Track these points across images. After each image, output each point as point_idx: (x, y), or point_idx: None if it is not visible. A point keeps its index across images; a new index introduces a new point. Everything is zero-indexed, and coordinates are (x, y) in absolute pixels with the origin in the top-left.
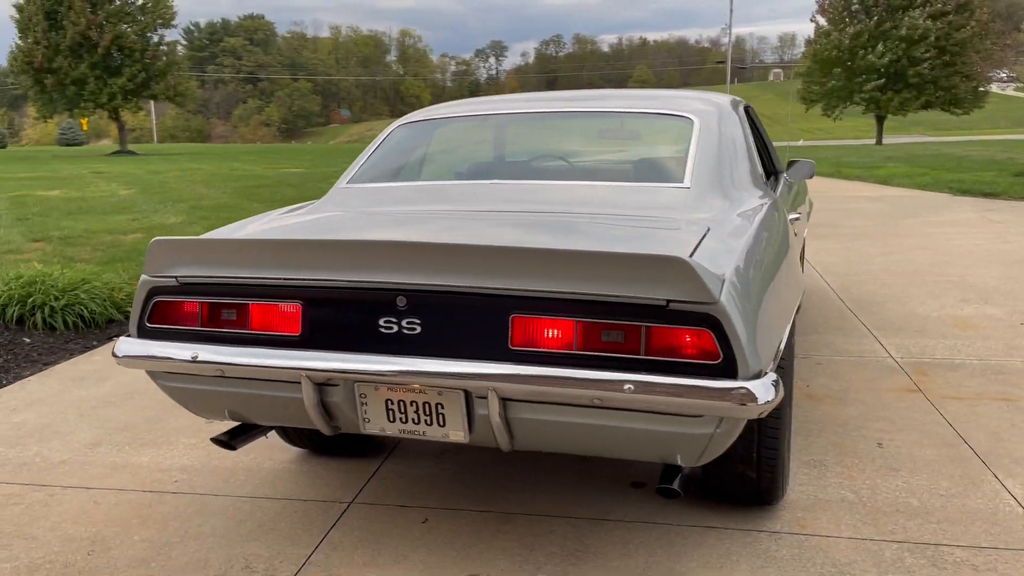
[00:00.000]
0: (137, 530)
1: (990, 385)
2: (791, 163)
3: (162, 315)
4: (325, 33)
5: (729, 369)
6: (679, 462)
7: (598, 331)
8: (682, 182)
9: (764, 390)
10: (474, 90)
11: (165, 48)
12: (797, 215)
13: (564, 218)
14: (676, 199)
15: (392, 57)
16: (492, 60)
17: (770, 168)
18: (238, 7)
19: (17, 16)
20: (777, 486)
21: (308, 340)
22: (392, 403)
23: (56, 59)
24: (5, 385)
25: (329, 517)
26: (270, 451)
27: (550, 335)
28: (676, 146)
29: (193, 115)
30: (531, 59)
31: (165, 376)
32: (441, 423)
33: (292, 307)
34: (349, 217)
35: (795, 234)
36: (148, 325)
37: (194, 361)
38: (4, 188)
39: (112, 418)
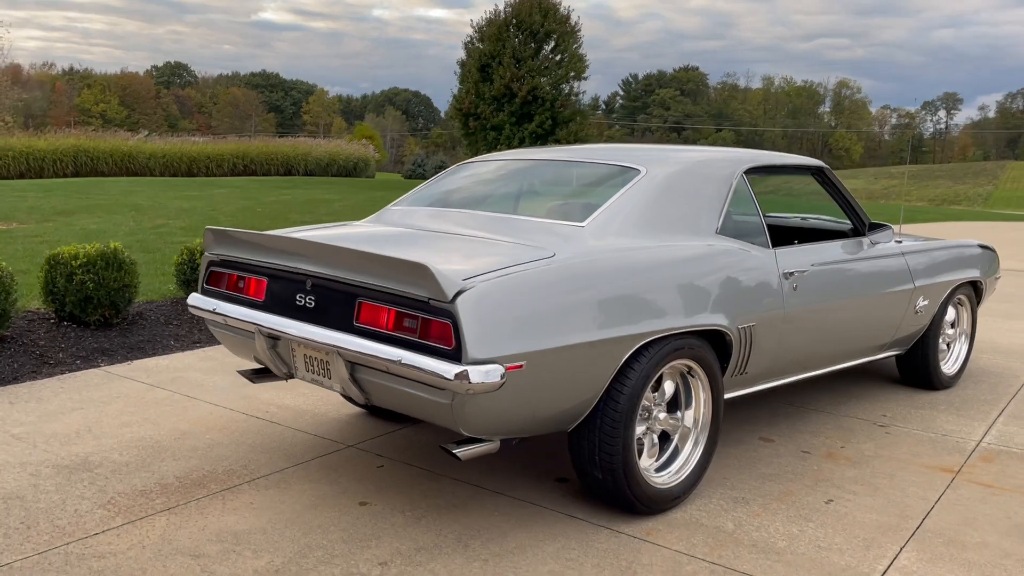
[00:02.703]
0: (213, 433)
1: None
2: (873, 226)
3: (214, 280)
4: (757, 84)
5: (457, 355)
6: (455, 428)
7: (401, 317)
8: (581, 222)
9: (480, 375)
10: (916, 145)
11: (575, 98)
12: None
13: (462, 239)
14: (565, 235)
15: (825, 108)
16: (941, 113)
17: (858, 227)
18: (678, 59)
19: (459, 70)
20: (624, 492)
21: (266, 305)
22: (307, 358)
23: (480, 106)
24: None
25: (326, 451)
26: (341, 406)
27: (378, 317)
28: (610, 192)
29: None
30: (991, 113)
31: (209, 323)
32: (328, 377)
33: (262, 281)
34: (352, 228)
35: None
36: (205, 286)
37: (213, 312)
38: None
39: None
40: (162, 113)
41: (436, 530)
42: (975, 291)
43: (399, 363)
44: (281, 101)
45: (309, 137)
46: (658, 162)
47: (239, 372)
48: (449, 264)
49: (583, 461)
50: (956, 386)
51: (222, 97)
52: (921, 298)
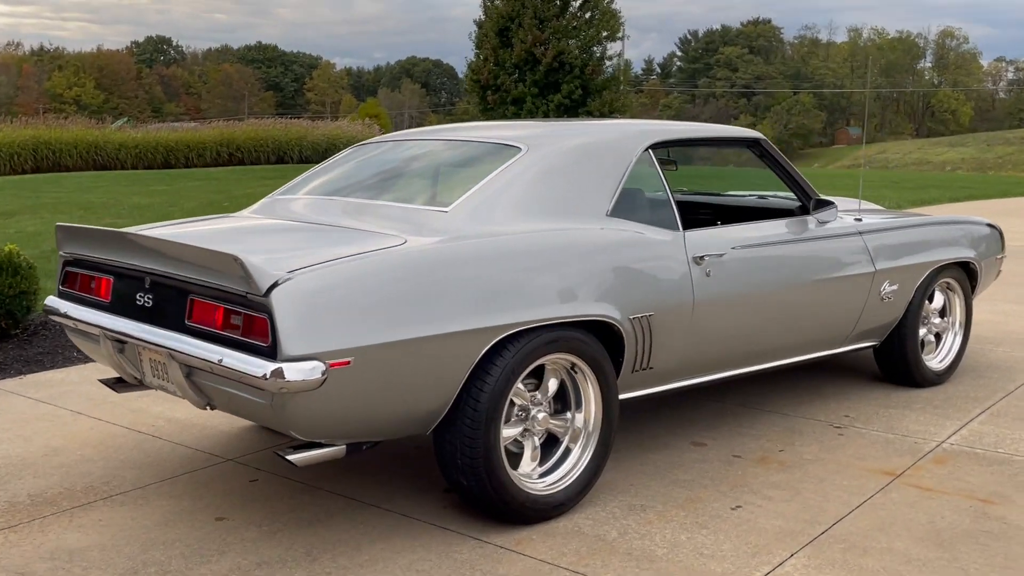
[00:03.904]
0: (87, 448)
1: (991, 484)
2: (819, 203)
3: (69, 281)
4: (842, 38)
5: (273, 351)
6: (285, 431)
7: (228, 314)
8: (445, 207)
9: (296, 373)
10: None
11: (610, 62)
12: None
13: (316, 228)
14: (426, 221)
15: (926, 63)
16: None
17: (805, 204)
18: (748, 11)
19: (475, 32)
20: (491, 499)
21: (112, 306)
22: (152, 361)
23: (500, 76)
24: None
25: (201, 465)
26: (231, 420)
27: (208, 315)
28: (483, 173)
29: None
30: None
31: (65, 328)
32: (168, 380)
33: (108, 280)
34: (218, 221)
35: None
36: (61, 288)
37: (65, 316)
38: None
39: None
40: (144, 96)
41: (287, 544)
42: (968, 274)
43: (220, 363)
44: (280, 77)
45: (314, 117)
46: (542, 139)
47: (100, 381)
48: (278, 255)
49: (447, 466)
50: (947, 382)
51: (212, 75)
52: (887, 283)
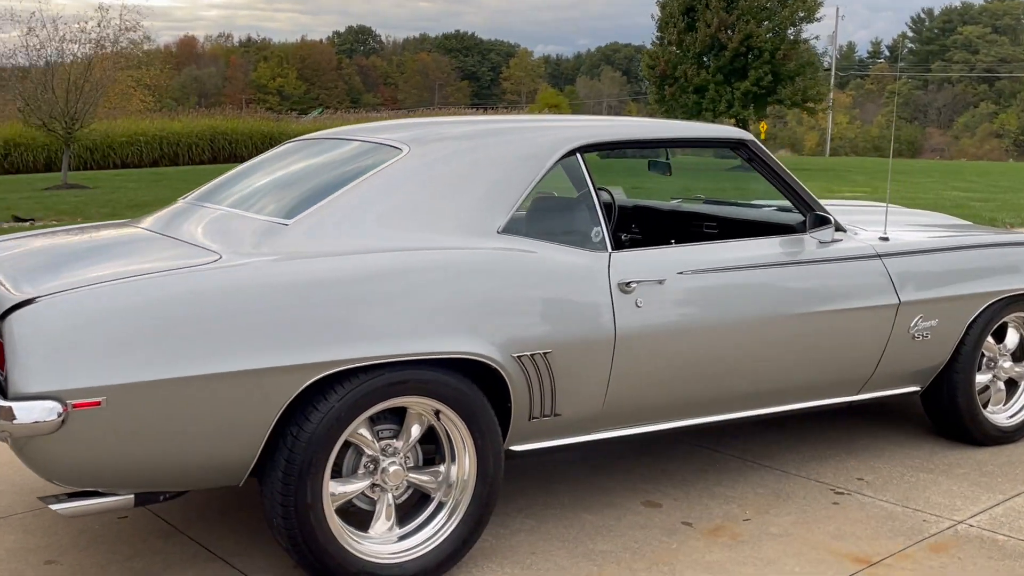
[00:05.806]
0: None
1: None
2: (817, 219)
3: None
4: None
5: (4, 387)
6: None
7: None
8: (287, 219)
9: (27, 412)
10: None
11: (806, 45)
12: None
13: (157, 242)
14: (262, 235)
15: None
16: None
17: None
18: None
19: (659, 15)
20: (308, 564)
21: None
22: None
23: (685, 63)
24: None
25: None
26: None
27: None
28: (349, 179)
29: (908, 123)
30: None
31: None
32: None
33: None
34: (80, 234)
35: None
36: None
37: None
38: None
39: None
40: (344, 87)
41: None
42: None
43: None
44: (477, 67)
45: (509, 107)
46: (432, 140)
47: None
48: (49, 275)
49: (268, 524)
50: (1018, 441)
51: (409, 65)
52: (919, 318)
